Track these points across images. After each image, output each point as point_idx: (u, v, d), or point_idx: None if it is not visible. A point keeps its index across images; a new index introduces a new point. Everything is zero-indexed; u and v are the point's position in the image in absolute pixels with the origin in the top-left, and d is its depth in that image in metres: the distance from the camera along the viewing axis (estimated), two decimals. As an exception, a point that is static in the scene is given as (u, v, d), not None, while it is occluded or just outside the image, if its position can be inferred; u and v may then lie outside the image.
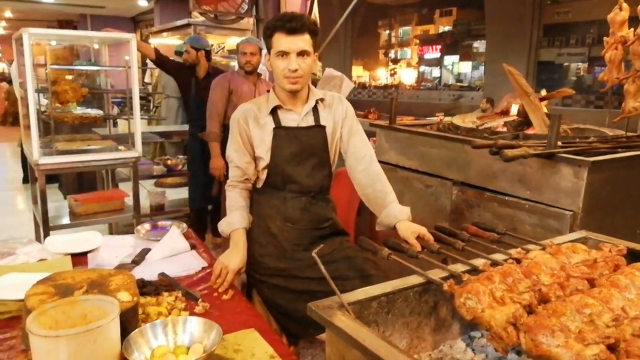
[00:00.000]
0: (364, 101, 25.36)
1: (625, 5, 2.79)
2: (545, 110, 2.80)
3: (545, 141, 2.09)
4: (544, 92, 2.98)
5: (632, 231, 2.31)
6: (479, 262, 1.41)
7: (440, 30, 37.93)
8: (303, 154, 1.87)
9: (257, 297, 1.96)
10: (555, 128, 2.02)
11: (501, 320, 1.11)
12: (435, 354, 1.37)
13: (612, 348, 1.01)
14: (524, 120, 2.63)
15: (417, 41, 40.21)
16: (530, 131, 2.57)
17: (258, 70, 3.86)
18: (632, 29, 2.76)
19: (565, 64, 26.49)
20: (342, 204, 3.09)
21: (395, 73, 40.60)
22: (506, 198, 2.26)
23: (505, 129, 2.66)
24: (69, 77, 3.93)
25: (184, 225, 2.23)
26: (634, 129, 2.73)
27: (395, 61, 41.81)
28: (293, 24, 1.70)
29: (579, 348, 0.98)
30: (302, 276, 1.86)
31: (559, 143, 2.09)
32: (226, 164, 2.08)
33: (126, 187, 3.97)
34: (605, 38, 2.91)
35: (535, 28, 21.28)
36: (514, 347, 1.21)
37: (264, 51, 3.09)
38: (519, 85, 2.55)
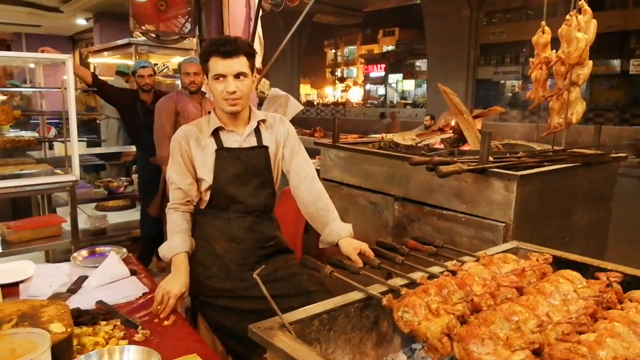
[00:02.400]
0: (312, 119, 25.60)
1: (547, 29, 3.01)
2: (479, 127, 2.95)
3: (478, 157, 2.20)
4: (477, 111, 3.13)
5: (561, 240, 2.46)
6: (416, 276, 1.46)
7: (384, 50, 39.10)
8: (246, 174, 1.87)
9: (203, 320, 1.93)
10: (486, 144, 2.14)
11: (436, 331, 1.15)
12: (377, 368, 1.40)
13: (537, 353, 1.07)
14: (459, 137, 2.75)
15: (362, 60, 41.23)
16: (465, 147, 2.69)
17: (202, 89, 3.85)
18: (554, 51, 2.98)
19: (502, 81, 27.93)
20: (289, 222, 3.10)
21: (347, 89, 41.39)
22: (444, 212, 2.35)
23: (442, 146, 2.77)
24: (2, 97, 3.75)
25: (124, 250, 2.17)
26: (560, 142, 2.92)
27: (342, 80, 42.64)
28: (227, 47, 1.72)
29: (507, 355, 1.03)
30: (249, 295, 1.85)
31: (491, 158, 2.20)
32: None
33: (64, 212, 3.81)
34: (530, 59, 3.12)
35: (473, 48, 22.41)
36: (451, 358, 1.26)
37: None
38: (453, 104, 2.68)
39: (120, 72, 6.14)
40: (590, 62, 2.76)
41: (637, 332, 1.12)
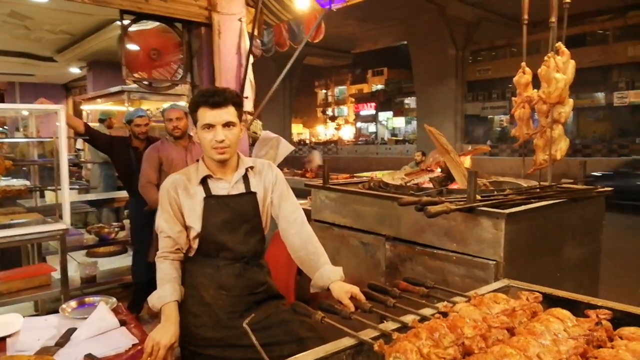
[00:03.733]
0: (305, 157, 25.85)
1: (527, 69, 3.10)
2: (467, 163, 2.99)
3: (466, 196, 2.22)
4: (464, 152, 3.19)
5: (552, 275, 2.46)
6: (408, 319, 1.46)
7: (374, 89, 39.96)
8: (235, 221, 1.89)
9: (193, 371, 1.89)
10: (473, 183, 2.17)
11: (428, 377, 1.14)
12: (371, 416, 1.37)
13: (529, 396, 1.07)
14: (448, 176, 2.79)
15: (353, 99, 42.03)
16: (453, 186, 2.72)
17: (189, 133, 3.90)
18: (535, 90, 3.06)
19: (490, 116, 28.48)
20: (281, 265, 3.09)
21: (339, 128, 41.98)
22: (435, 251, 2.36)
23: (431, 185, 2.80)
24: (-7, 147, 3.78)
25: (114, 300, 2.15)
26: (546, 179, 2.96)
27: (333, 118, 43.31)
28: (216, 98, 1.77)
29: (498, 399, 1.03)
30: (239, 344, 1.82)
31: (478, 197, 2.23)
32: None
33: (54, 260, 3.77)
34: (513, 98, 3.20)
35: (460, 85, 22.96)
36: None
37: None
38: (440, 143, 2.73)
39: (102, 120, 6.24)
40: (571, 100, 2.84)
41: (627, 371, 1.12)
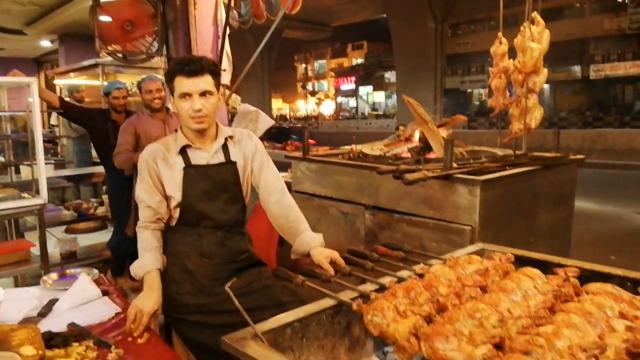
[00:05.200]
0: (286, 130, 25.79)
1: (504, 40, 3.13)
2: (444, 135, 3.03)
3: (443, 164, 2.27)
4: (442, 120, 3.23)
5: (526, 240, 2.54)
6: (386, 280, 1.51)
7: (354, 63, 39.67)
8: (215, 190, 1.89)
9: (177, 337, 1.93)
10: (449, 151, 2.21)
11: (404, 332, 1.19)
12: (351, 372, 1.43)
13: (499, 346, 1.12)
14: (425, 146, 2.83)
15: (333, 74, 41.71)
16: (431, 155, 2.77)
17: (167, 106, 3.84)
18: (511, 60, 3.10)
19: (469, 90, 28.60)
20: (262, 236, 3.12)
21: (320, 103, 41.71)
22: (413, 218, 2.41)
23: (409, 155, 2.85)
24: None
25: (95, 271, 2.15)
26: (521, 147, 3.03)
27: (313, 93, 42.99)
28: (192, 67, 1.75)
29: (470, 349, 1.08)
30: (222, 310, 1.85)
31: (455, 165, 2.28)
32: None
33: (33, 236, 3.73)
34: (490, 68, 3.24)
35: (439, 58, 22.96)
36: (422, 358, 1.30)
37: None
38: (418, 114, 2.76)
39: (71, 93, 6.08)
40: (546, 70, 2.89)
41: (592, 322, 1.19)
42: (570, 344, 1.08)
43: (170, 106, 3.88)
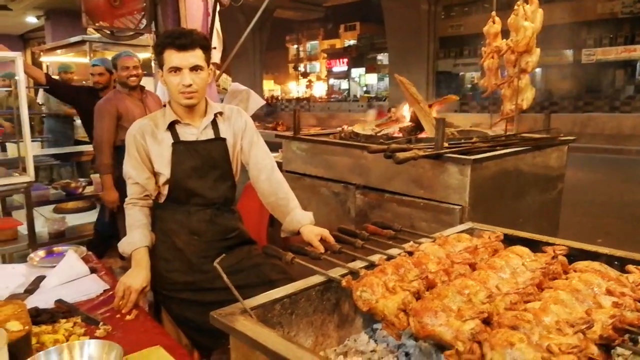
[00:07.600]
0: (276, 114, 25.59)
1: (497, 19, 3.11)
2: (434, 115, 3.02)
3: (434, 143, 2.26)
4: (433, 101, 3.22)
5: (515, 220, 2.56)
6: (375, 258, 1.50)
7: (346, 44, 39.30)
8: (204, 167, 1.87)
9: (166, 314, 1.92)
10: (441, 131, 2.20)
11: (393, 307, 1.20)
12: (340, 349, 1.43)
13: (487, 322, 1.13)
14: (417, 126, 2.82)
15: (325, 55, 41.32)
16: (422, 135, 2.76)
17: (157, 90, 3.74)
18: (504, 40, 3.08)
19: (461, 73, 28.51)
20: (253, 215, 3.11)
21: (311, 84, 41.39)
22: (403, 198, 2.41)
23: (400, 135, 2.83)
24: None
25: (83, 248, 2.13)
26: (513, 128, 3.03)
27: (305, 75, 42.64)
28: (183, 40, 1.71)
29: (458, 324, 1.08)
30: (212, 287, 1.85)
31: (446, 144, 2.27)
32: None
33: (21, 215, 3.69)
34: (482, 48, 3.22)
35: (432, 41, 22.80)
36: (411, 334, 1.31)
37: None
38: (410, 94, 2.74)
39: (64, 71, 5.95)
40: (538, 50, 2.88)
41: (579, 298, 1.20)
42: (557, 319, 1.08)
43: (158, 82, 3.77)
